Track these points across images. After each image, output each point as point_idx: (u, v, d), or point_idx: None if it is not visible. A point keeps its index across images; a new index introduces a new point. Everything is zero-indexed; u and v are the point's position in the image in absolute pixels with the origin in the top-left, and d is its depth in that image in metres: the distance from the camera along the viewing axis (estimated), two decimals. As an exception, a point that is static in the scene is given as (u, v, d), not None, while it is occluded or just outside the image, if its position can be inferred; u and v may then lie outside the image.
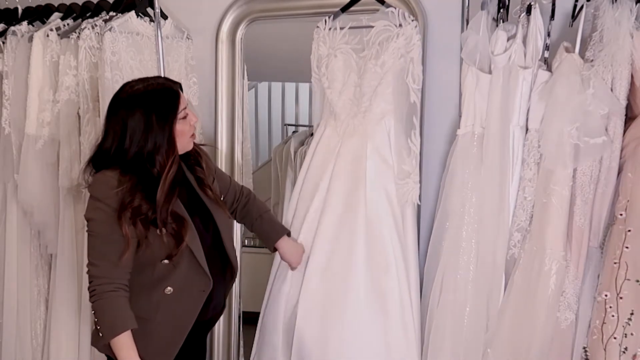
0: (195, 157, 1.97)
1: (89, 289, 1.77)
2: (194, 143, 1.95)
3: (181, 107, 1.83)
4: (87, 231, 1.80)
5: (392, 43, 2.13)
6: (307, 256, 2.19)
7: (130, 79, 1.88)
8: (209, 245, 1.90)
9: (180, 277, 1.83)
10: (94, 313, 1.78)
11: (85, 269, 1.80)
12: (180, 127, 1.83)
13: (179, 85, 1.88)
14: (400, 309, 2.12)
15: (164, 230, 1.77)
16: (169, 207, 1.78)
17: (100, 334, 1.76)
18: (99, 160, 1.82)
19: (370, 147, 2.16)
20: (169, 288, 1.82)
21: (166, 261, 1.80)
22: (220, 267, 1.95)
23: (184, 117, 1.85)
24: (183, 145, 1.87)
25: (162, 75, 2.41)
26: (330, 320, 2.14)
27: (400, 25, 2.14)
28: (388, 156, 2.17)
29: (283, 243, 2.16)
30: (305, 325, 2.15)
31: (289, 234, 2.20)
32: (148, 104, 1.78)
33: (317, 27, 2.26)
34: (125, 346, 1.76)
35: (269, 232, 2.19)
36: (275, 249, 2.18)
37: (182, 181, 1.89)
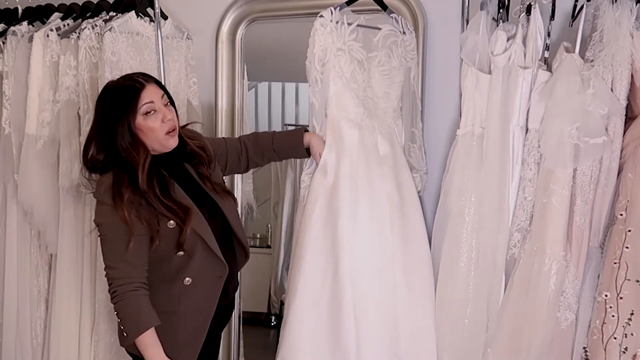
0: (197, 157, 1.97)
1: (109, 291, 1.81)
2: (184, 137, 1.92)
3: (142, 102, 1.79)
4: (99, 236, 1.83)
5: (400, 48, 2.19)
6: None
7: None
8: (220, 233, 1.94)
9: (197, 267, 1.86)
10: (116, 314, 1.81)
11: (103, 273, 1.82)
12: (145, 122, 1.80)
13: (153, 80, 1.85)
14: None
15: (172, 222, 1.80)
16: (157, 193, 1.80)
17: (125, 334, 1.80)
18: (89, 163, 1.87)
19: (399, 145, 2.23)
20: (187, 279, 1.86)
21: (181, 253, 1.83)
22: (233, 252, 2.00)
23: (148, 112, 1.80)
24: (159, 141, 1.83)
25: (162, 75, 2.41)
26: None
27: (404, 32, 2.20)
28: (405, 152, 2.27)
29: (308, 136, 2.10)
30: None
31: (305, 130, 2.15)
32: (107, 101, 1.83)
33: (322, 16, 2.07)
34: (151, 344, 1.80)
35: (290, 139, 2.14)
36: (307, 151, 2.11)
37: (184, 176, 1.92)
